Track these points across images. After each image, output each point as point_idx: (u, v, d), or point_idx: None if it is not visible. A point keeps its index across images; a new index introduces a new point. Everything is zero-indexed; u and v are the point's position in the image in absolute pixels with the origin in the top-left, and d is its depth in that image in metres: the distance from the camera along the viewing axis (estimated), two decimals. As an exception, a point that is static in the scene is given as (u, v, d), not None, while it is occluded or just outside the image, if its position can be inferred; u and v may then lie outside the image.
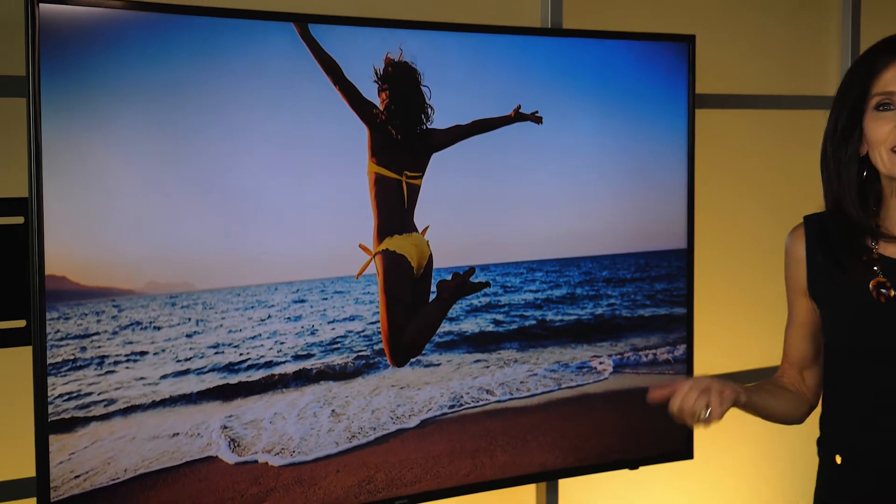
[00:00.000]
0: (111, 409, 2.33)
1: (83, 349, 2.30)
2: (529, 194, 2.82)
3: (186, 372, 2.43)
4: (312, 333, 2.59)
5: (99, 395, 2.32)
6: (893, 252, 2.07)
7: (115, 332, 2.34)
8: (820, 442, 2.20)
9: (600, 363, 2.96)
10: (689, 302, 3.06)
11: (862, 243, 2.09)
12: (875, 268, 2.07)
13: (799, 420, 2.26)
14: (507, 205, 2.80)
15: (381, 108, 2.59)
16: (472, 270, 2.77)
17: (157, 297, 2.39)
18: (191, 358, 2.44)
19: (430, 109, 2.65)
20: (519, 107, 2.78)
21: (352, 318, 2.62)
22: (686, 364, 3.05)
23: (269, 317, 2.53)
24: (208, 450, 2.44)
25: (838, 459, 2.14)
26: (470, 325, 2.79)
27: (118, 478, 2.33)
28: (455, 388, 2.76)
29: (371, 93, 2.57)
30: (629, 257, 2.99)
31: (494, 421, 2.81)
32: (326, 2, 2.75)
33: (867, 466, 2.10)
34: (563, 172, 2.86)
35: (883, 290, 2.05)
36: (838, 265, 2.10)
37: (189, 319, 2.43)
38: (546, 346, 2.89)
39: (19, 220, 2.26)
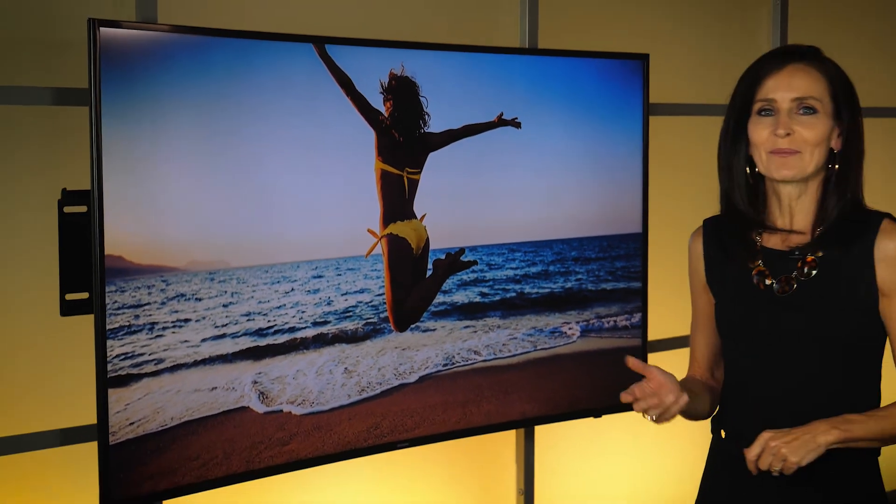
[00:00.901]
0: (160, 367, 2.34)
1: (136, 317, 2.31)
2: (510, 187, 2.84)
3: (223, 336, 2.44)
4: (329, 304, 2.60)
5: (150, 355, 2.33)
6: (775, 243, 1.96)
7: (163, 303, 2.35)
8: (714, 417, 2.09)
9: (569, 329, 2.97)
10: (643, 277, 3.07)
11: (748, 236, 1.98)
12: (758, 258, 1.97)
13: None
14: (491, 196, 2.81)
15: (386, 115, 2.60)
16: (462, 251, 2.78)
17: (199, 273, 2.40)
18: (227, 324, 2.45)
19: (427, 116, 2.66)
20: (501, 114, 2.78)
21: (362, 291, 2.64)
22: (641, 329, 3.07)
23: (293, 290, 2.54)
24: (241, 401, 2.46)
25: (723, 434, 2.04)
26: (460, 297, 2.80)
27: (166, 424, 2.35)
28: (448, 349, 2.77)
29: (377, 102, 2.58)
30: (594, 240, 3.00)
31: (481, 377, 2.82)
32: (340, 26, 2.76)
33: (742, 441, 1.90)
34: (538, 169, 2.87)
35: (763, 278, 1.96)
36: (728, 255, 2.01)
37: (225, 292, 2.44)
38: (524, 314, 2.90)
39: (83, 208, 2.25)
